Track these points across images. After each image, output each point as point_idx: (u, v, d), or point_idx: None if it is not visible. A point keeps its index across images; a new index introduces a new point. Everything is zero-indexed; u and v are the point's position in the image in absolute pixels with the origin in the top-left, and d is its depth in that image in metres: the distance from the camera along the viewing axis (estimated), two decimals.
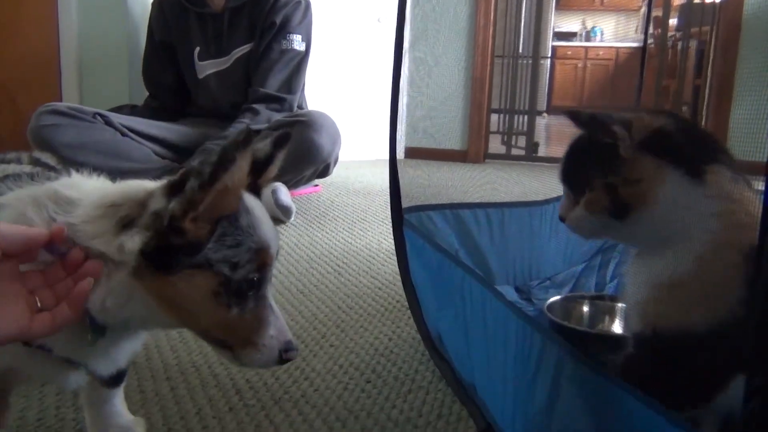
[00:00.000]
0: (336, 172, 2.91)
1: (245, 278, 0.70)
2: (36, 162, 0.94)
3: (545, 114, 8.54)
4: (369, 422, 1.05)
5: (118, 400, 0.97)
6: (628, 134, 0.84)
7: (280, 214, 2.38)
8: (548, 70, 8.63)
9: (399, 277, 1.36)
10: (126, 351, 0.83)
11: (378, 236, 2.29)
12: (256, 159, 0.78)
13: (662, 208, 0.82)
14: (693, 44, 4.92)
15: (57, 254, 0.67)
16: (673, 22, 4.95)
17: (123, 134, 2.46)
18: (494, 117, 4.59)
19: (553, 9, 8.70)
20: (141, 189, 0.70)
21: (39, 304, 0.66)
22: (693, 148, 0.84)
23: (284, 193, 2.41)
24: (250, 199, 0.74)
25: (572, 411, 0.77)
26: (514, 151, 4.56)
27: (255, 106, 2.59)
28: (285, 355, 0.74)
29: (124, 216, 0.68)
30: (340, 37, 3.99)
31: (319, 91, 3.47)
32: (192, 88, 2.80)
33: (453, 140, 4.36)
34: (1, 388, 0.83)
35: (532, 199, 1.78)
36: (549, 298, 1.51)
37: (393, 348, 1.33)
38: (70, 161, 2.22)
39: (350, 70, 4.08)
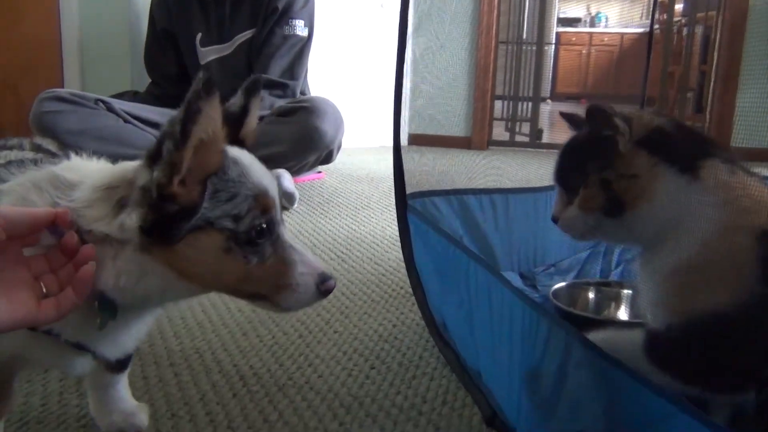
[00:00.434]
0: (339, 159, 2.89)
1: (252, 227, 0.69)
2: (37, 148, 0.94)
3: (549, 100, 8.51)
4: (373, 408, 1.04)
5: (122, 385, 0.97)
6: (629, 129, 0.84)
7: (284, 201, 2.36)
8: (552, 57, 8.58)
9: (403, 264, 1.36)
10: (134, 335, 0.82)
11: (382, 223, 2.28)
12: (231, 113, 0.78)
13: (656, 205, 0.82)
14: (699, 30, 4.88)
15: (59, 236, 0.67)
16: (678, 7, 4.90)
17: (125, 121, 2.45)
18: (498, 104, 4.56)
19: None
20: (132, 168, 0.70)
21: (44, 290, 0.66)
22: (688, 145, 0.85)
23: (288, 180, 2.40)
24: (235, 151, 0.73)
25: (579, 397, 0.76)
26: (518, 138, 4.53)
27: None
28: (322, 286, 0.73)
29: (121, 198, 0.68)
30: (343, 23, 3.96)
31: (322, 78, 3.45)
32: (194, 74, 2.78)
33: (457, 127, 4.34)
34: (6, 375, 0.82)
35: (537, 186, 1.76)
36: (554, 285, 1.50)
37: (397, 334, 1.33)
38: (72, 148, 2.21)
39: (353, 56, 4.06)
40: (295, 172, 2.60)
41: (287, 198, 2.37)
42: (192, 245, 0.67)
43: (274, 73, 2.61)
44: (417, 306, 1.35)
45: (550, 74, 8.65)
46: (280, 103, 2.58)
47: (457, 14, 4.24)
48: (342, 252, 1.91)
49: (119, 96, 2.66)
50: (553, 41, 8.56)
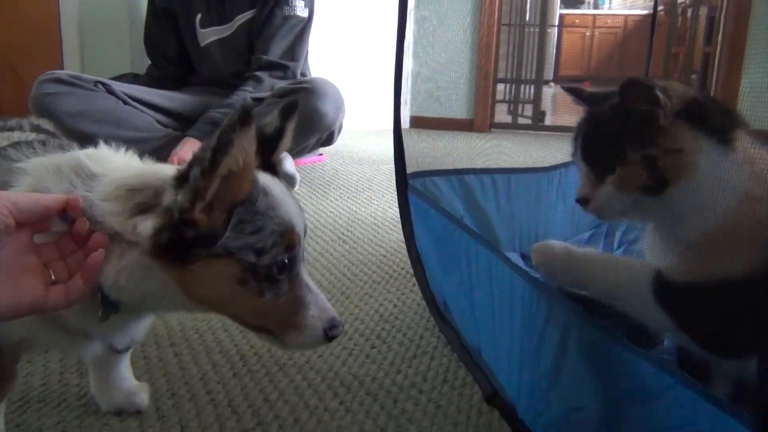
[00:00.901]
0: (340, 142, 2.88)
1: (274, 262, 0.67)
2: (37, 129, 0.93)
3: (552, 83, 8.46)
4: (374, 387, 1.04)
5: (124, 365, 0.97)
6: (669, 101, 0.79)
7: (284, 183, 2.35)
8: (555, 39, 8.52)
9: (404, 245, 1.35)
10: (141, 325, 0.82)
11: (383, 205, 2.28)
12: (266, 135, 0.76)
13: (699, 178, 0.78)
14: (703, 11, 4.83)
15: (70, 222, 0.67)
16: None
17: (125, 102, 2.43)
18: (500, 86, 4.54)
19: None
20: (158, 176, 0.68)
21: (53, 277, 0.66)
22: (721, 116, 0.81)
23: (289, 162, 2.39)
24: (266, 179, 0.71)
25: (580, 373, 0.75)
26: (521, 120, 4.51)
27: (258, 73, 2.55)
28: (330, 332, 0.71)
29: (141, 203, 0.66)
30: (343, 3, 3.92)
31: (323, 59, 3.43)
32: (194, 56, 2.77)
33: (459, 109, 4.32)
34: (12, 357, 0.82)
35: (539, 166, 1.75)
36: None
37: (398, 314, 1.33)
38: (72, 130, 2.22)
39: (354, 38, 4.03)
40: (296, 154, 2.59)
41: (288, 180, 2.36)
42: (206, 269, 0.66)
43: (275, 54, 2.58)
44: (417, 286, 1.35)
45: (553, 57, 8.60)
46: (281, 84, 2.56)
47: None
48: (343, 233, 1.91)
49: (119, 78, 2.65)
50: (557, 23, 8.50)
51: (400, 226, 1.35)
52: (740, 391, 0.79)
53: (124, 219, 0.66)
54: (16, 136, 0.86)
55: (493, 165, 1.74)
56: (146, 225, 0.65)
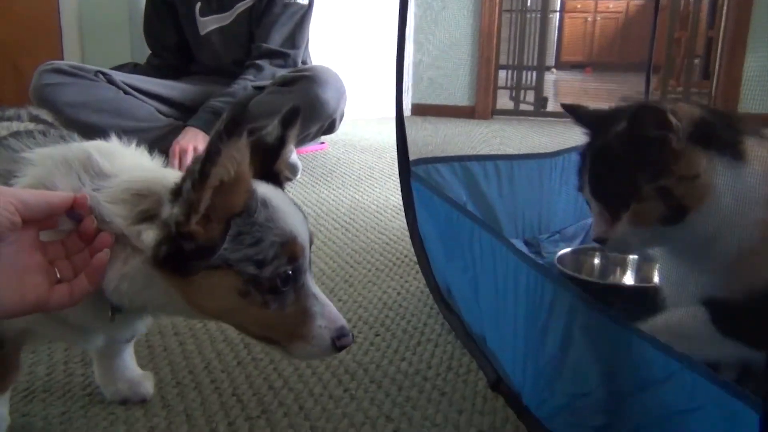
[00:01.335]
0: (342, 130, 2.87)
1: (276, 274, 0.66)
2: (35, 119, 0.93)
3: (554, 69, 8.42)
4: (378, 375, 1.04)
5: (128, 354, 0.97)
6: (680, 124, 0.76)
7: (287, 172, 2.35)
8: (557, 24, 8.48)
9: (407, 233, 1.35)
10: (146, 321, 0.82)
11: (385, 192, 2.27)
12: (267, 145, 0.75)
13: (717, 198, 0.76)
14: None
15: (77, 220, 0.66)
16: None
17: (125, 92, 2.42)
18: (502, 72, 4.51)
19: None
20: (163, 183, 0.67)
21: (58, 275, 0.65)
22: (728, 130, 0.78)
23: (290, 151, 2.38)
24: (267, 190, 0.70)
25: (585, 359, 0.75)
26: (523, 107, 4.49)
27: (258, 62, 2.54)
28: (338, 342, 0.70)
29: (145, 209, 0.66)
30: None
31: (324, 47, 3.41)
32: (194, 45, 2.75)
33: (460, 96, 4.30)
34: (13, 347, 0.82)
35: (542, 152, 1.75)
36: (559, 252, 1.49)
37: (401, 302, 1.32)
38: (73, 120, 2.21)
39: (355, 25, 4.01)
40: (297, 143, 2.58)
41: (290, 169, 2.35)
42: (207, 281, 0.65)
43: (275, 42, 2.57)
44: (421, 273, 1.34)
45: (555, 42, 8.56)
46: (281, 72, 2.55)
47: None
48: (345, 221, 1.90)
49: (120, 68, 2.63)
50: (558, 9, 8.45)
51: (402, 213, 1.34)
52: (746, 376, 0.78)
53: (130, 224, 0.66)
54: (15, 126, 0.86)
55: (495, 151, 1.74)
56: (149, 235, 0.64)
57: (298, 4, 2.61)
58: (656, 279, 1.30)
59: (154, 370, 1.03)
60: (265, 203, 0.67)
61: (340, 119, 2.67)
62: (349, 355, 1.10)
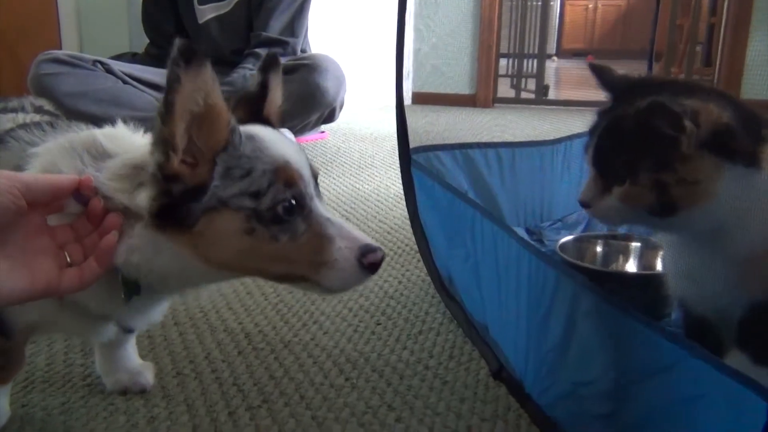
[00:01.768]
0: (342, 119, 2.86)
1: (275, 202, 0.64)
2: (39, 110, 0.92)
3: (555, 57, 8.38)
4: (380, 364, 1.03)
5: (129, 345, 0.96)
6: (696, 129, 0.73)
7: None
8: (558, 12, 8.43)
9: (408, 222, 1.34)
10: (161, 307, 0.82)
11: (386, 181, 2.26)
12: (251, 93, 0.75)
13: (716, 203, 0.74)
14: None
15: (84, 203, 0.65)
16: None
17: (124, 82, 2.41)
18: (503, 60, 4.49)
19: None
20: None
21: (68, 259, 0.65)
22: (750, 136, 0.75)
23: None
24: (256, 128, 0.69)
25: (588, 347, 0.74)
26: (524, 95, 4.47)
27: (257, 50, 2.53)
28: (366, 259, 0.66)
29: (144, 180, 0.65)
30: None
31: (323, 35, 3.39)
32: (192, 33, 2.73)
33: (461, 84, 4.27)
34: (21, 339, 0.81)
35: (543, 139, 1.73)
36: (561, 239, 1.49)
37: (402, 291, 1.32)
38: (71, 110, 2.20)
39: (354, 13, 3.98)
40: (297, 132, 2.57)
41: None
42: (209, 228, 0.64)
43: (274, 30, 2.56)
44: (422, 262, 1.34)
45: (556, 30, 8.51)
46: (281, 61, 2.53)
47: None
48: (346, 210, 1.89)
49: (118, 57, 2.62)
50: None
51: (403, 202, 1.33)
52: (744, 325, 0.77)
53: (129, 195, 0.65)
54: (21, 117, 0.85)
55: (496, 139, 1.73)
56: (142, 196, 0.64)
57: None
58: (659, 267, 1.29)
59: (154, 360, 1.03)
60: (251, 137, 0.66)
61: (340, 108, 2.66)
62: (350, 344, 1.09)
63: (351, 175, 2.36)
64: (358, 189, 2.15)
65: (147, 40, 2.83)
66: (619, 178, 0.78)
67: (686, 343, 0.59)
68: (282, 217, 0.64)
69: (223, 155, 0.64)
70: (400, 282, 1.36)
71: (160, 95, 2.06)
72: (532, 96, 4.43)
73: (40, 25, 3.47)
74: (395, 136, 1.29)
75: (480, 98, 4.25)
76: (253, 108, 0.75)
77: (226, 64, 2.59)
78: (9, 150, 0.73)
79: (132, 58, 2.69)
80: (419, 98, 4.25)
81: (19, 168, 0.69)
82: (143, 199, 0.63)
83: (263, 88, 0.76)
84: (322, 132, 3.00)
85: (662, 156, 0.74)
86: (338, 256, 0.66)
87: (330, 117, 2.66)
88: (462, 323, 1.13)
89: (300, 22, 2.62)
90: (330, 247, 0.66)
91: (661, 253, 1.24)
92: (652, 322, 0.65)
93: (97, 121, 0.77)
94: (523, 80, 4.57)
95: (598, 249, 1.43)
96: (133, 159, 0.67)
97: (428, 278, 1.32)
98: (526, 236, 1.59)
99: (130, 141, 0.72)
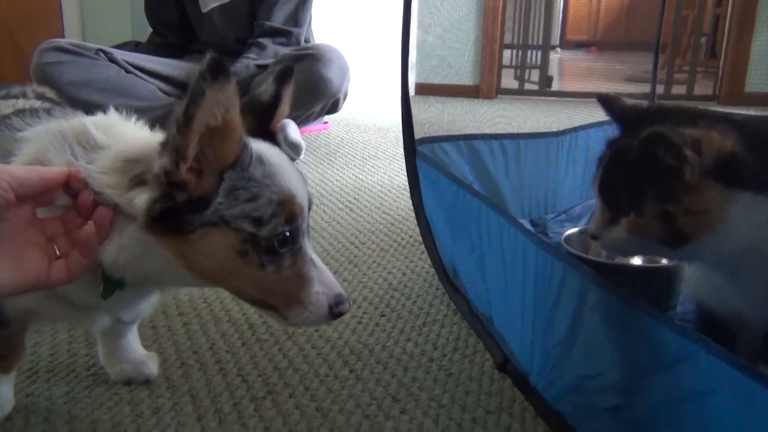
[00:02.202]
0: (346, 109, 2.85)
1: (274, 234, 0.65)
2: (41, 96, 0.92)
3: (558, 48, 8.34)
4: (384, 355, 1.03)
5: (132, 335, 0.96)
6: (698, 159, 0.71)
7: (290, 152, 2.33)
8: (562, 3, 8.38)
9: (412, 213, 1.34)
10: (150, 300, 0.81)
11: (390, 172, 2.25)
12: (262, 103, 0.74)
13: (727, 231, 0.72)
14: None
15: (74, 195, 0.65)
16: None
17: (127, 71, 2.40)
18: (507, 52, 4.47)
19: None
20: (156, 147, 0.65)
21: (57, 252, 0.64)
22: (761, 162, 0.72)
23: (293, 130, 2.36)
24: (264, 148, 0.68)
25: (596, 340, 0.74)
26: (527, 86, 4.45)
27: (261, 40, 2.52)
28: (336, 309, 0.69)
29: (138, 174, 0.64)
30: None
31: (327, 25, 3.37)
32: (195, 22, 2.72)
33: (465, 75, 4.26)
34: (18, 327, 0.81)
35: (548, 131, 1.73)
36: (565, 232, 1.48)
37: (407, 282, 1.31)
38: (74, 99, 2.19)
39: (359, 3, 3.96)
40: (301, 122, 2.56)
41: (293, 148, 2.33)
42: (204, 240, 0.64)
43: (278, 20, 2.54)
44: (426, 254, 1.33)
45: (560, 21, 8.47)
46: (284, 51, 2.52)
47: None
48: (350, 201, 1.89)
49: (121, 46, 2.61)
50: None
51: (407, 193, 1.33)
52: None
53: (122, 192, 0.64)
54: (21, 103, 0.85)
55: (500, 130, 1.72)
56: (141, 198, 0.63)
57: None
58: (664, 260, 1.29)
59: (158, 350, 1.03)
60: (261, 160, 0.66)
61: (344, 98, 2.65)
62: (354, 336, 1.09)
63: (355, 166, 2.35)
64: (362, 180, 2.14)
65: (150, 29, 2.82)
66: (625, 209, 0.77)
67: (697, 337, 0.59)
68: (276, 249, 0.66)
69: (231, 173, 0.64)
70: (404, 274, 1.36)
71: (162, 84, 2.06)
72: (535, 87, 4.41)
73: (43, 13, 3.45)
74: (399, 126, 1.29)
75: (483, 89, 4.23)
76: (262, 118, 0.74)
77: (229, 53, 2.58)
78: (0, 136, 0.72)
79: (135, 47, 2.68)
80: (422, 89, 4.23)
81: (8, 153, 0.68)
82: (142, 201, 0.63)
83: (276, 100, 0.75)
84: (326, 122, 2.99)
85: (666, 186, 0.72)
86: (313, 300, 0.69)
87: (334, 108, 2.65)
88: (467, 315, 1.13)
89: (304, 11, 2.60)
90: (308, 289, 0.69)
91: None
92: (661, 315, 0.64)
93: (101, 109, 0.76)
94: (527, 71, 4.55)
95: None
96: (126, 151, 0.66)
97: (433, 270, 1.31)
98: (530, 228, 1.58)
99: (122, 131, 0.71)
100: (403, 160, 1.31)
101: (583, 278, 0.75)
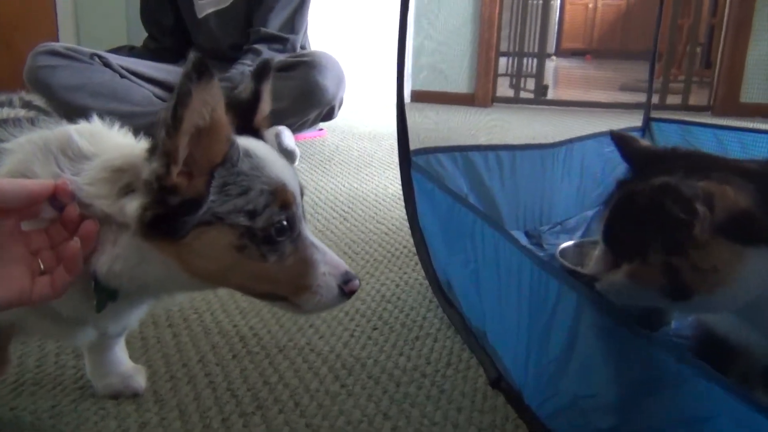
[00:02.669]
0: (341, 117, 2.84)
1: (270, 224, 0.64)
2: (27, 105, 0.90)
3: (554, 57, 8.36)
4: (376, 370, 1.02)
5: (120, 348, 0.94)
6: (710, 214, 0.68)
7: (284, 158, 2.32)
8: (558, 11, 8.41)
9: (406, 223, 1.32)
10: (137, 313, 0.80)
11: (384, 181, 2.24)
12: (242, 100, 0.74)
13: (735, 287, 0.70)
14: None
15: (60, 209, 0.64)
16: None
17: (122, 76, 2.39)
18: (502, 59, 4.47)
19: None
20: (142, 153, 0.64)
21: (42, 267, 0.63)
22: None
23: (288, 137, 2.35)
24: (249, 142, 0.68)
25: (591, 360, 0.73)
26: (523, 95, 4.45)
27: (256, 46, 2.50)
28: (346, 287, 0.69)
29: (128, 183, 0.63)
30: None
31: (323, 32, 3.36)
32: (191, 28, 2.71)
33: (460, 83, 4.26)
34: (2, 340, 0.80)
35: (543, 142, 1.72)
36: (560, 243, 1.47)
37: (400, 294, 1.30)
38: (68, 104, 2.18)
39: (355, 10, 3.96)
40: (295, 129, 2.55)
41: (288, 155, 2.32)
42: (201, 241, 0.63)
43: (274, 26, 2.53)
44: (420, 266, 1.32)
45: (556, 29, 8.49)
46: (280, 57, 2.51)
47: None
48: (344, 210, 1.88)
49: (116, 51, 2.60)
50: None
51: (401, 203, 1.31)
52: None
53: (112, 202, 0.63)
54: (5, 112, 0.83)
55: (495, 140, 1.71)
56: (132, 205, 0.62)
57: None
58: None
59: (147, 362, 1.01)
60: (248, 153, 0.66)
61: (339, 106, 2.64)
62: (346, 350, 1.08)
63: (349, 174, 2.34)
64: (357, 189, 2.13)
65: (145, 34, 2.81)
66: (629, 255, 0.74)
67: (696, 363, 0.57)
68: (274, 238, 0.65)
69: (220, 170, 0.63)
70: (398, 285, 1.34)
71: (157, 90, 2.04)
72: (531, 96, 4.42)
73: (37, 16, 3.43)
74: (394, 134, 1.27)
75: (479, 97, 4.23)
76: (244, 116, 0.73)
77: (224, 59, 2.57)
78: None
79: (130, 51, 2.66)
80: (418, 96, 4.23)
81: None
82: (133, 208, 0.62)
83: (256, 96, 0.75)
84: (321, 129, 2.98)
85: (674, 239, 0.69)
86: (321, 282, 0.68)
87: (329, 115, 2.64)
88: (460, 330, 1.12)
89: (300, 18, 2.60)
90: (314, 272, 0.68)
91: None
92: (658, 338, 0.63)
93: (92, 115, 0.75)
94: (523, 80, 4.56)
95: None
96: (114, 161, 0.65)
97: (426, 282, 1.30)
98: (525, 240, 1.57)
99: (108, 139, 0.70)
100: (398, 169, 1.30)
101: (579, 296, 0.74)
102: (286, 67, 2.45)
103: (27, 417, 0.88)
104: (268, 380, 0.98)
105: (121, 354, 0.95)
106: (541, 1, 4.53)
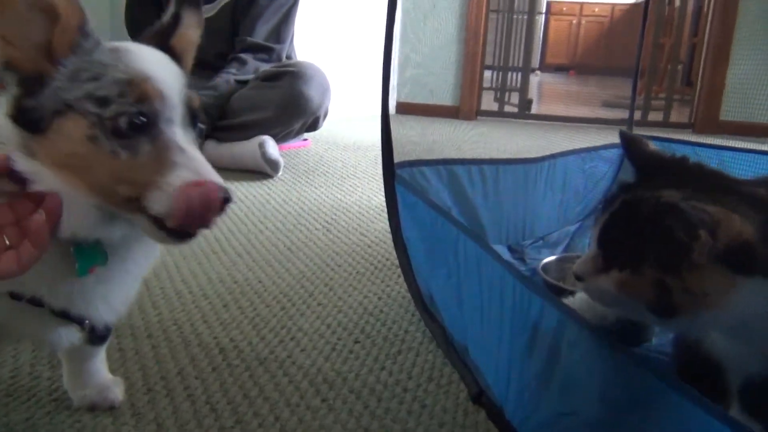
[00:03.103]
0: (326, 127, 2.84)
1: (119, 113, 0.62)
2: None
3: (538, 71, 8.44)
4: (357, 384, 1.01)
5: (99, 359, 0.93)
6: (712, 241, 0.67)
7: (268, 168, 2.31)
8: (542, 27, 8.50)
9: (389, 235, 1.32)
10: (123, 295, 0.78)
11: (368, 192, 2.24)
12: (162, 24, 0.76)
13: (722, 313, 0.69)
14: (690, 1, 4.83)
15: (21, 182, 0.63)
16: None
17: None
18: (487, 73, 4.50)
19: None
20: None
21: (7, 242, 0.62)
22: None
23: (272, 147, 2.34)
24: (134, 45, 0.68)
25: (573, 376, 0.73)
26: (507, 108, 4.48)
27: (242, 55, 2.50)
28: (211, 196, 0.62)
29: None
30: None
31: (309, 42, 3.36)
32: None
33: (445, 96, 4.28)
34: None
35: (527, 156, 1.73)
36: (542, 258, 1.48)
37: (382, 307, 1.29)
38: None
39: (341, 21, 3.96)
40: (280, 139, 2.54)
41: (271, 165, 2.31)
42: (60, 134, 0.62)
43: (260, 36, 2.53)
44: (403, 278, 1.32)
45: (540, 44, 8.58)
46: (265, 67, 2.51)
47: None
48: (327, 222, 1.87)
49: None
50: (544, 11, 8.47)
51: (385, 214, 1.31)
52: (750, 388, 0.76)
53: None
54: None
55: (479, 153, 1.72)
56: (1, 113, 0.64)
57: None
58: None
59: (125, 374, 0.99)
60: (118, 49, 0.66)
61: (324, 116, 2.64)
62: (327, 363, 1.07)
63: (332, 185, 2.33)
64: (340, 200, 2.13)
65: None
66: (621, 264, 0.74)
67: (677, 383, 0.58)
68: (123, 131, 0.62)
69: (72, 57, 0.64)
70: (380, 298, 1.34)
71: None
72: (515, 110, 4.44)
73: None
74: (379, 145, 1.27)
75: (464, 110, 4.25)
76: (161, 38, 0.74)
77: (209, 68, 2.56)
78: None
79: None
80: (403, 108, 4.24)
81: None
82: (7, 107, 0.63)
83: (175, 19, 0.76)
84: (305, 140, 2.98)
85: (670, 258, 0.69)
86: (172, 182, 0.61)
87: (314, 125, 2.63)
88: (442, 344, 1.11)
89: (286, 28, 2.60)
90: (168, 172, 0.62)
91: None
92: (640, 356, 0.63)
93: None
94: (507, 94, 4.59)
95: None
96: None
97: (409, 295, 1.30)
98: (507, 254, 1.58)
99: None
100: (382, 180, 1.30)
101: (560, 313, 0.74)
102: (271, 77, 2.45)
103: (0, 430, 0.86)
104: (248, 394, 0.97)
105: (100, 365, 0.93)
106: (526, 17, 4.57)
